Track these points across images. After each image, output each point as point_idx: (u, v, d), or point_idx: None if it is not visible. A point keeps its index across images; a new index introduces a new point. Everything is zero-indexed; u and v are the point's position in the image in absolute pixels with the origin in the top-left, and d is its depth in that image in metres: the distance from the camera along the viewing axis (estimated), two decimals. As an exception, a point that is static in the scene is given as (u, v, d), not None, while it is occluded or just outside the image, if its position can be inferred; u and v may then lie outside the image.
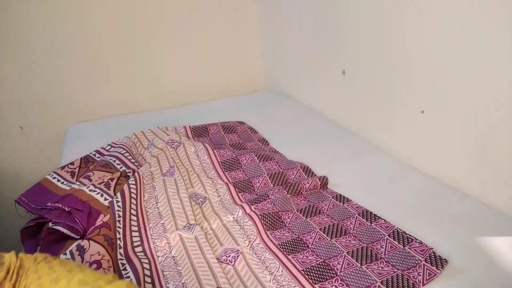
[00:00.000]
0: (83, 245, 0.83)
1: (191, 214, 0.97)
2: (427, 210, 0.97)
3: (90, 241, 0.85)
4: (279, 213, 0.97)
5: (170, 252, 0.86)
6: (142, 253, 0.86)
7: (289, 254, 0.84)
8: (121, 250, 0.86)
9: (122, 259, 0.84)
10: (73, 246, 0.84)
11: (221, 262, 0.83)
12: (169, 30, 1.80)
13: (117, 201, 0.99)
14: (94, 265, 0.80)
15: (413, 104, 1.15)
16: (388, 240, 0.86)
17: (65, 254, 0.82)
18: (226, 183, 1.11)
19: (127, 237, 0.90)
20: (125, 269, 0.82)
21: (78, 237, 0.93)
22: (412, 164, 1.18)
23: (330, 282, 0.76)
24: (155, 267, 0.83)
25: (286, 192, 1.04)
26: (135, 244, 0.89)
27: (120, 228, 0.92)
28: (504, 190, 0.95)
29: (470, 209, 0.96)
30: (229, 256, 0.84)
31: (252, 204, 0.98)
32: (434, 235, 0.87)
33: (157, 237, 0.90)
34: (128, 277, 0.80)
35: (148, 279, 0.79)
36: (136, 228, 0.94)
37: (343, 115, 1.49)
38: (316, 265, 0.80)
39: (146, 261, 0.84)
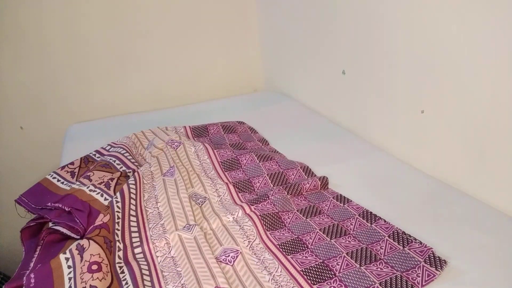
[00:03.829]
0: (83, 244, 0.83)
1: (191, 215, 0.97)
2: (427, 210, 0.97)
3: (90, 241, 0.85)
4: (279, 213, 0.97)
5: (170, 252, 0.86)
6: (141, 254, 0.86)
7: (288, 255, 0.84)
8: (120, 253, 0.86)
9: (120, 263, 0.84)
10: (73, 246, 0.84)
11: (220, 261, 0.83)
12: (169, 30, 1.80)
13: (117, 202, 0.99)
14: (95, 266, 0.79)
15: (413, 104, 1.15)
16: (388, 241, 0.86)
17: (65, 253, 0.82)
18: (226, 183, 1.11)
19: (126, 239, 0.90)
20: (122, 271, 0.82)
21: (78, 237, 0.93)
22: (412, 164, 1.18)
23: (329, 283, 0.75)
24: (155, 268, 0.83)
25: (286, 193, 1.04)
26: (134, 245, 0.89)
27: (118, 230, 0.92)
28: (504, 190, 0.95)
29: (470, 209, 0.96)
30: (229, 256, 0.84)
31: (252, 205, 0.98)
32: (434, 235, 0.87)
33: (157, 238, 0.90)
34: (125, 279, 0.80)
35: (148, 282, 0.79)
36: (135, 229, 0.94)
37: (343, 115, 1.49)
38: (315, 266, 0.80)
39: (145, 263, 0.84)
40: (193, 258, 0.83)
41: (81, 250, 0.82)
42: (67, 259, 0.80)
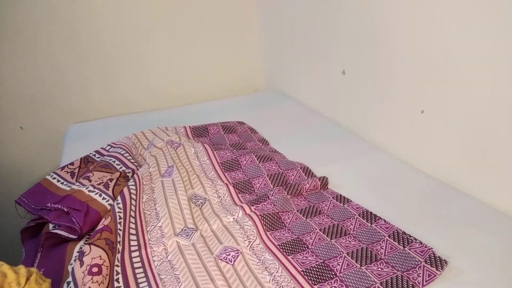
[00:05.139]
0: (84, 251, 0.83)
1: (189, 218, 0.97)
2: (427, 210, 0.97)
3: (92, 246, 0.84)
4: (279, 213, 0.97)
5: (167, 257, 0.86)
6: (138, 258, 0.86)
7: (288, 255, 0.84)
8: (119, 255, 0.85)
9: (118, 265, 0.83)
10: (75, 254, 0.84)
11: (221, 260, 0.83)
12: (169, 30, 1.79)
13: (118, 203, 0.98)
14: (95, 268, 0.79)
15: (413, 104, 1.15)
16: (388, 241, 0.86)
17: (71, 264, 0.82)
18: (226, 184, 1.11)
19: (126, 241, 0.90)
20: (117, 273, 0.81)
21: (76, 237, 0.93)
22: (412, 164, 1.18)
23: (330, 283, 0.76)
24: (151, 272, 0.82)
25: (286, 193, 1.04)
26: (132, 249, 0.88)
27: (120, 230, 0.91)
28: (504, 190, 0.95)
29: (470, 209, 0.96)
30: (229, 254, 0.84)
31: (252, 205, 0.98)
32: (434, 235, 0.87)
33: (155, 242, 0.89)
34: (118, 280, 0.79)
35: (144, 283, 0.79)
36: (134, 232, 0.93)
37: (343, 115, 1.49)
38: (316, 266, 0.80)
39: (141, 269, 0.83)
40: (191, 263, 0.82)
41: (81, 255, 0.82)
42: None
